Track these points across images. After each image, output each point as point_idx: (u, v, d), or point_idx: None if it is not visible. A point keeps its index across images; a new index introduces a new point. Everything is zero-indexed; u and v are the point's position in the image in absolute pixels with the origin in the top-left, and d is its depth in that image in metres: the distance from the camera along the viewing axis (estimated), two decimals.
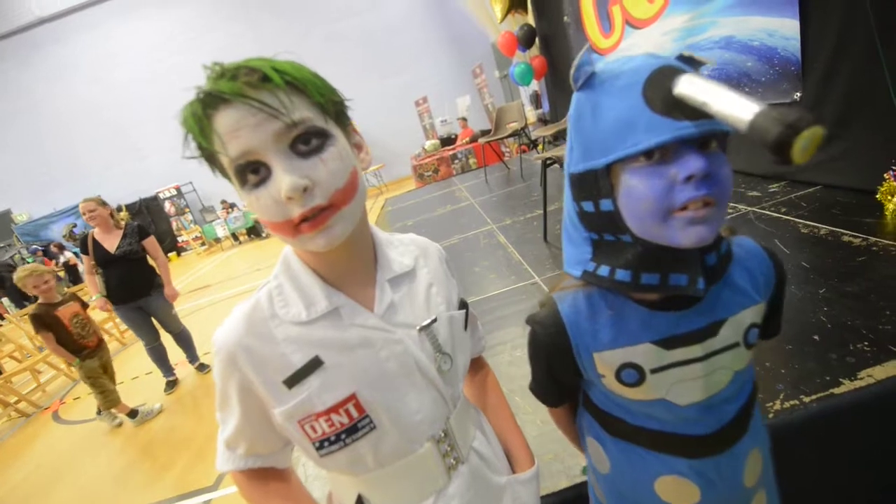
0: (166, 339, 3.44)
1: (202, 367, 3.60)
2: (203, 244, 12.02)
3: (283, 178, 0.45)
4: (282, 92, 0.45)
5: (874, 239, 1.62)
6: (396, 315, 0.58)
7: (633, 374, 0.56)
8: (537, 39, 6.03)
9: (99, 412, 3.26)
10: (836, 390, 1.08)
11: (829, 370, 1.14)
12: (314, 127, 0.47)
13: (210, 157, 0.49)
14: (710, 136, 0.45)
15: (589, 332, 0.58)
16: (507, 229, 3.25)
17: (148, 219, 12.20)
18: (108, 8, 11.70)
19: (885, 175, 1.77)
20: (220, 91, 0.44)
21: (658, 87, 0.44)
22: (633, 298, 0.56)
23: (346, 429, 0.54)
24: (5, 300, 9.22)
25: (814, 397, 1.09)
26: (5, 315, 8.35)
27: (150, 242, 3.23)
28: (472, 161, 7.96)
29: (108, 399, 3.05)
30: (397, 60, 11.92)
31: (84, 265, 3.14)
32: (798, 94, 2.23)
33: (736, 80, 2.55)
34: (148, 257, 3.25)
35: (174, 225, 12.57)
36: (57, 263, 10.43)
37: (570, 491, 1.09)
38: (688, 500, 0.60)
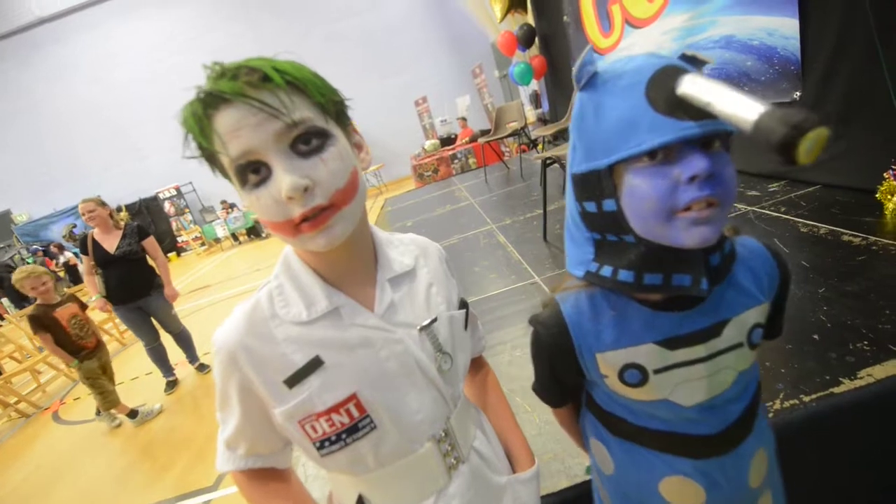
0: (166, 339, 3.44)
1: (202, 368, 3.60)
2: (203, 244, 12.02)
3: (284, 178, 0.45)
4: (282, 92, 0.45)
5: (874, 238, 1.62)
6: (397, 315, 0.58)
7: (636, 375, 0.56)
8: (537, 39, 6.03)
9: (98, 413, 3.26)
10: (836, 390, 1.08)
11: (829, 369, 1.14)
12: (315, 127, 0.47)
13: (210, 157, 0.49)
14: (713, 136, 0.44)
15: (592, 333, 0.57)
16: (507, 229, 3.25)
17: (148, 219, 12.19)
18: (107, 8, 11.70)
19: (884, 174, 1.77)
20: (221, 91, 0.44)
21: (661, 86, 0.44)
22: (636, 299, 0.55)
23: (347, 428, 0.54)
24: (5, 300, 9.22)
25: (814, 397, 1.09)
26: (5, 315, 8.35)
27: (150, 243, 3.23)
28: (471, 161, 7.96)
29: (107, 400, 3.04)
30: (397, 60, 11.92)
31: (83, 266, 3.14)
32: (797, 93, 2.23)
33: (735, 79, 2.55)
34: (147, 258, 3.25)
35: (174, 225, 12.56)
36: (57, 264, 10.43)
37: (569, 491, 1.09)
38: (693, 501, 0.60)
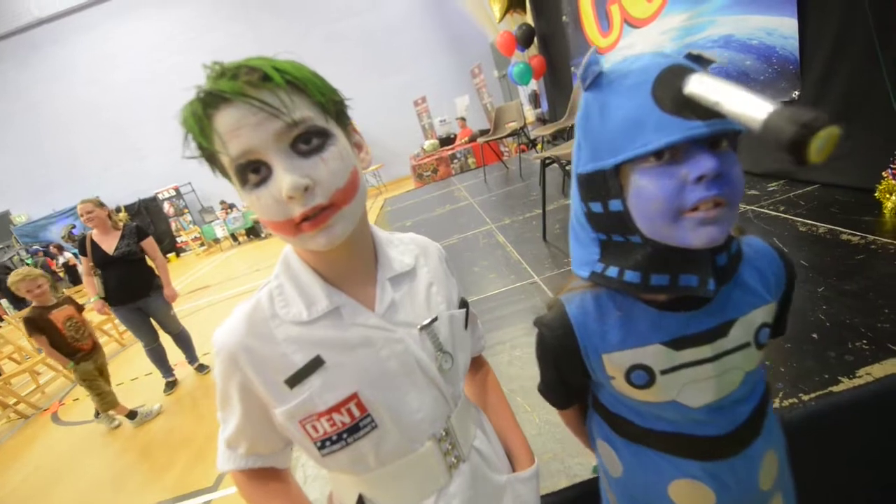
0: (165, 339, 3.44)
1: (201, 368, 3.59)
2: (202, 245, 12.01)
3: (284, 178, 0.45)
4: (282, 91, 0.45)
5: (873, 237, 1.62)
6: (397, 314, 0.58)
7: (642, 376, 0.56)
8: (536, 39, 6.04)
9: (97, 415, 3.26)
10: (835, 388, 1.09)
11: (828, 368, 1.14)
12: (315, 126, 0.47)
13: (210, 157, 0.48)
14: (720, 136, 0.44)
15: (597, 334, 0.57)
16: (506, 229, 3.25)
17: (147, 220, 12.18)
18: (106, 8, 11.69)
19: (883, 173, 1.78)
20: (221, 90, 0.44)
21: (668, 86, 0.44)
22: (642, 299, 0.55)
23: (348, 428, 0.54)
24: (4, 302, 9.21)
25: (812, 395, 1.09)
26: (4, 317, 8.34)
27: (149, 243, 3.22)
28: (470, 161, 7.96)
29: (105, 401, 3.04)
30: (396, 60, 11.92)
31: (82, 267, 3.13)
32: (796, 92, 2.23)
33: (735, 78, 2.55)
34: (147, 258, 3.25)
35: (173, 226, 12.56)
36: (57, 264, 10.44)
37: (569, 491, 1.09)
38: None
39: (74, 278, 10.01)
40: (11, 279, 2.88)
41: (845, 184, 2.05)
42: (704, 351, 0.54)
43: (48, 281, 2.98)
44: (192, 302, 6.39)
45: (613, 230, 0.52)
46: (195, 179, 12.36)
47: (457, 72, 11.69)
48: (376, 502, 0.60)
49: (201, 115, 0.45)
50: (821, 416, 1.05)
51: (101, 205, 3.08)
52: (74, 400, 4.08)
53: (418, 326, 0.58)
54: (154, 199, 12.47)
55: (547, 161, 2.69)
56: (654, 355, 0.55)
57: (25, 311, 2.98)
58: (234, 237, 11.26)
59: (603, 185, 0.49)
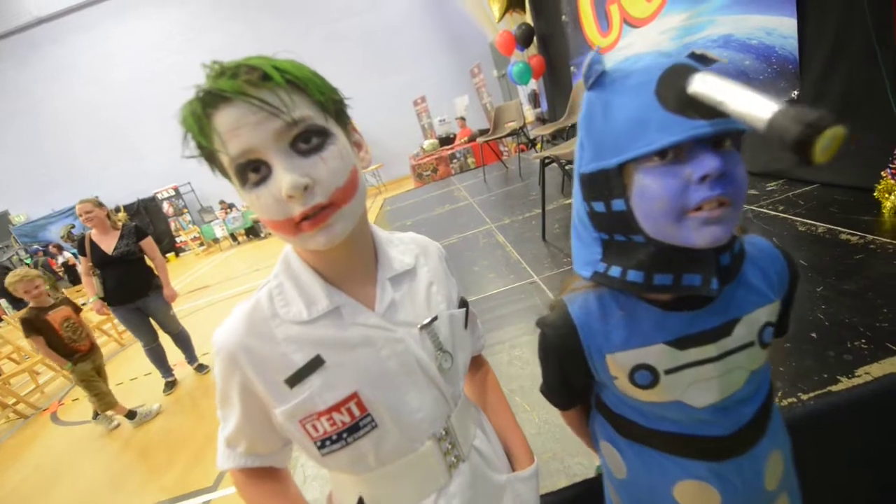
0: (165, 339, 3.44)
1: (201, 368, 3.59)
2: (201, 245, 12.00)
3: (284, 177, 0.45)
4: (282, 90, 0.45)
5: (872, 237, 1.62)
6: (397, 314, 0.58)
7: (646, 376, 0.55)
8: (535, 38, 6.04)
9: (95, 416, 3.25)
10: (834, 388, 1.09)
11: (827, 368, 1.15)
12: (314, 125, 0.47)
13: (210, 157, 0.48)
14: (724, 135, 0.44)
15: (601, 334, 0.57)
16: (506, 228, 3.25)
17: (146, 219, 12.17)
18: (105, 8, 11.67)
19: (882, 173, 1.78)
20: (221, 89, 0.44)
21: (671, 85, 0.44)
22: (645, 299, 0.55)
23: (348, 428, 0.54)
24: (3, 302, 9.20)
25: (812, 395, 1.09)
26: (3, 317, 8.33)
27: (148, 243, 3.22)
28: (470, 160, 7.96)
29: (103, 401, 3.04)
30: (396, 60, 11.92)
31: (81, 266, 3.13)
32: (795, 92, 2.24)
33: (734, 78, 2.56)
34: (146, 258, 3.24)
35: (172, 225, 12.55)
36: (57, 264, 10.44)
37: (569, 490, 1.09)
38: None
39: (74, 278, 10.01)
40: (9, 280, 2.88)
41: (844, 183, 2.05)
42: (708, 350, 0.54)
43: (46, 281, 2.98)
44: (191, 302, 6.39)
45: (616, 230, 0.51)
46: (194, 179, 12.35)
47: (456, 71, 11.69)
48: (377, 502, 0.60)
49: (201, 114, 0.45)
50: (820, 415, 1.06)
51: (99, 204, 3.07)
52: (74, 400, 4.07)
53: (418, 326, 0.58)
54: (153, 199, 12.46)
55: (546, 161, 2.69)
56: (657, 355, 0.54)
57: (22, 312, 2.98)
58: (233, 237, 11.26)
59: (606, 185, 0.49)
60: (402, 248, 0.64)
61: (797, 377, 1.15)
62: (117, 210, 11.14)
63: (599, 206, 0.51)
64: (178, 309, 3.72)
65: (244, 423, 0.57)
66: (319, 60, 0.57)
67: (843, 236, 1.69)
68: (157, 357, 3.42)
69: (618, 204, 0.49)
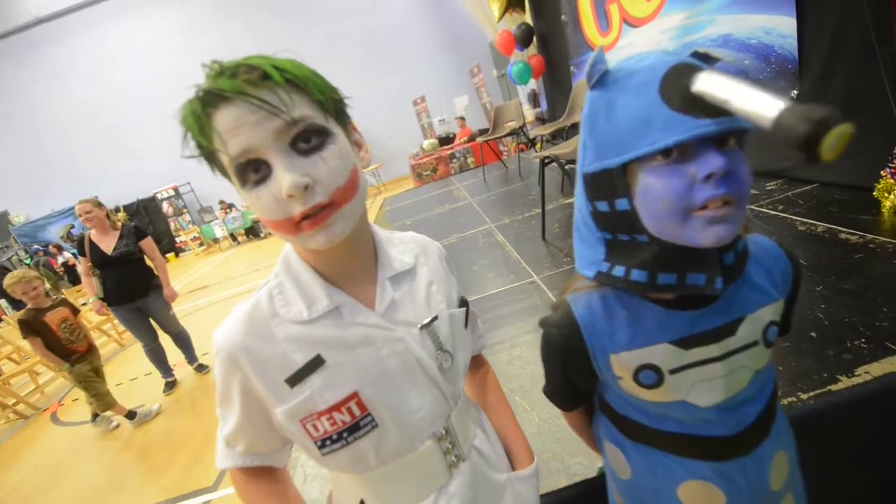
0: (165, 340, 3.44)
1: (201, 368, 3.59)
2: (201, 245, 12.00)
3: (284, 177, 0.45)
4: (282, 90, 0.45)
5: (871, 236, 1.62)
6: (397, 313, 0.58)
7: (651, 376, 0.55)
8: (535, 38, 6.04)
9: (94, 418, 3.24)
10: (834, 387, 1.09)
11: (827, 367, 1.15)
12: (314, 125, 0.47)
13: (210, 156, 0.48)
14: (728, 134, 0.44)
15: (605, 333, 0.57)
16: (506, 228, 3.25)
17: (146, 220, 12.17)
18: (105, 8, 11.66)
19: (881, 172, 1.78)
20: (220, 89, 0.44)
21: (675, 84, 0.44)
22: (649, 298, 0.55)
23: (348, 427, 0.54)
24: (3, 302, 9.20)
25: (811, 394, 1.09)
26: (3, 317, 8.33)
27: (147, 243, 3.22)
28: (470, 160, 7.96)
29: (103, 402, 3.03)
30: (395, 60, 11.91)
31: (81, 267, 3.13)
32: (795, 91, 2.24)
33: (735, 77, 2.56)
34: (145, 258, 3.24)
35: (172, 225, 12.54)
36: (57, 264, 10.44)
37: (568, 490, 1.09)
38: None
39: (74, 278, 10.01)
40: (7, 281, 2.88)
41: (844, 182, 2.05)
42: (712, 350, 0.54)
43: (47, 281, 2.98)
44: (191, 302, 6.39)
45: (620, 229, 0.51)
46: (194, 179, 12.35)
47: (456, 71, 11.69)
48: (377, 502, 0.60)
49: (200, 113, 0.45)
50: (819, 414, 1.06)
51: (99, 205, 3.07)
52: (74, 400, 4.07)
53: (419, 325, 0.58)
54: (153, 199, 12.45)
55: (546, 160, 2.69)
56: (662, 354, 0.54)
57: (20, 313, 2.98)
58: (233, 237, 11.25)
59: (609, 184, 0.49)
60: (402, 247, 0.64)
61: (797, 376, 1.15)
62: (117, 210, 11.13)
63: (603, 206, 0.51)
64: (178, 309, 3.72)
65: (244, 423, 0.57)
66: (319, 60, 0.57)
67: (843, 235, 1.69)
68: (157, 357, 3.42)
69: (622, 203, 0.49)
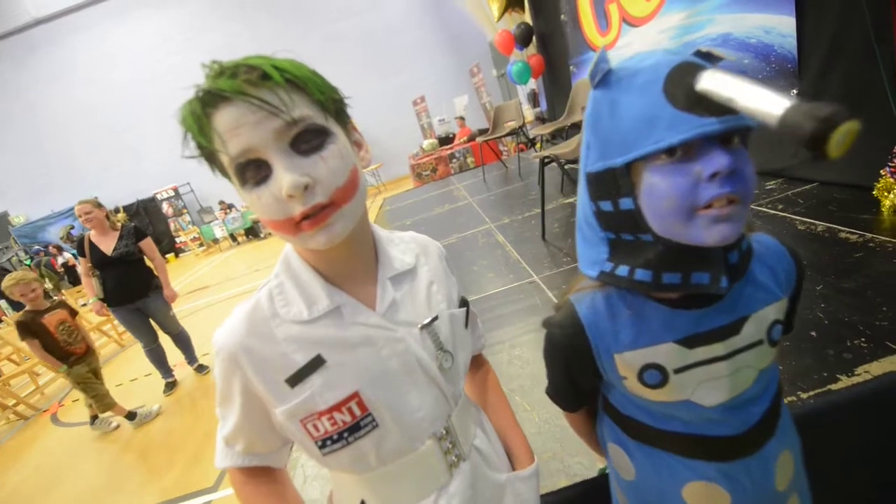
0: (165, 340, 3.44)
1: (201, 369, 3.59)
2: (201, 245, 11.99)
3: (284, 176, 0.45)
4: (282, 90, 0.45)
5: (871, 235, 1.63)
6: (398, 313, 0.58)
7: (655, 376, 0.55)
8: (534, 38, 6.04)
9: (93, 421, 3.23)
10: (834, 386, 1.09)
11: (827, 366, 1.15)
12: (314, 125, 0.47)
13: (209, 156, 0.48)
14: (733, 133, 0.44)
15: (609, 333, 0.56)
16: (506, 228, 3.26)
17: (146, 220, 12.16)
18: (104, 9, 11.66)
19: (881, 171, 1.78)
20: (220, 89, 0.44)
21: (679, 83, 0.43)
22: (653, 297, 0.55)
23: (349, 427, 0.54)
24: (3, 303, 9.20)
25: (811, 393, 1.09)
26: (3, 318, 8.32)
27: (147, 244, 3.22)
28: (469, 160, 7.96)
29: (102, 403, 3.03)
30: (395, 60, 11.91)
31: (81, 267, 3.13)
32: (794, 90, 2.24)
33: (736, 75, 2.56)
34: (145, 259, 3.24)
35: (172, 226, 12.54)
36: (57, 264, 10.44)
37: (569, 490, 1.09)
38: None
39: (74, 279, 10.01)
40: (5, 283, 2.87)
41: (843, 182, 2.06)
42: (717, 349, 0.53)
43: (44, 283, 2.98)
44: (191, 302, 6.39)
45: (623, 229, 0.51)
46: (194, 180, 12.35)
47: (455, 71, 11.69)
48: (377, 502, 0.60)
49: (200, 113, 0.45)
50: (819, 414, 1.06)
51: (99, 205, 3.07)
52: (74, 401, 4.07)
53: (419, 325, 0.58)
54: (153, 200, 12.45)
55: (546, 160, 2.69)
56: (666, 354, 0.54)
57: (18, 315, 2.97)
58: (233, 237, 11.25)
59: (613, 184, 0.49)
60: (402, 247, 0.64)
61: (797, 376, 1.15)
62: (116, 211, 11.13)
63: (606, 206, 0.51)
64: (178, 309, 3.72)
65: (243, 423, 0.57)
66: (319, 60, 0.57)
67: (843, 235, 1.69)
68: (157, 358, 3.42)
69: (626, 203, 0.48)
